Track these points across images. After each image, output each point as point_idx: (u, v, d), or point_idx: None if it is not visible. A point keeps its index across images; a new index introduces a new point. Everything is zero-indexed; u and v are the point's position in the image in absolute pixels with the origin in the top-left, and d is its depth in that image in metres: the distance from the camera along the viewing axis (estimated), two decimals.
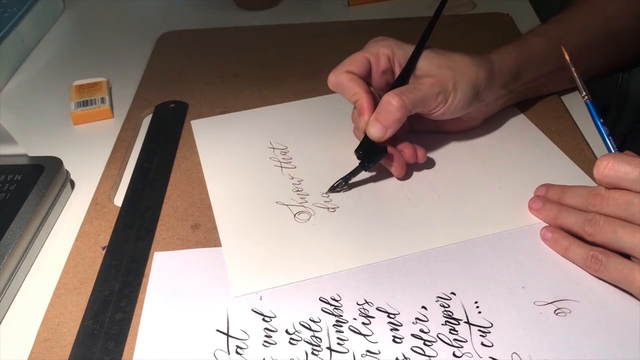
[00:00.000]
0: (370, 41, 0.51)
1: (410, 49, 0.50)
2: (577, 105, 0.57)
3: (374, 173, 0.51)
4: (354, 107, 0.50)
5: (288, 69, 0.67)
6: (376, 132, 0.47)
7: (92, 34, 0.82)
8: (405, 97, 0.46)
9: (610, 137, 0.43)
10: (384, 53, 0.50)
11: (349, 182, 0.49)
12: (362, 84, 0.48)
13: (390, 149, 0.49)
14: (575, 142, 0.53)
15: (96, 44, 0.79)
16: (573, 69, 0.45)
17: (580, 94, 0.45)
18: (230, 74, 0.68)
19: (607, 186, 0.40)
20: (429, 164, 0.52)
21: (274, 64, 0.69)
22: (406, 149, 0.50)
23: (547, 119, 0.55)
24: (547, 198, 0.45)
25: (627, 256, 0.39)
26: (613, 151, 0.43)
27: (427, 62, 0.49)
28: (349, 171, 0.49)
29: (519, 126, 0.55)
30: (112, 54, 0.76)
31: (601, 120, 0.44)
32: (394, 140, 0.49)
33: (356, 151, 0.49)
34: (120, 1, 0.89)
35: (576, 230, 0.42)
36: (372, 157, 0.48)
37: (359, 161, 0.49)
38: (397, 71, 0.50)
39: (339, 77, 0.49)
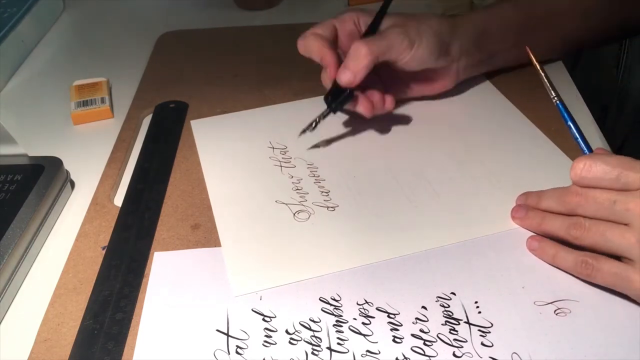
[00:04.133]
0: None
1: (374, 14, 0.53)
2: (577, 105, 0.57)
3: (373, 176, 0.51)
4: (324, 70, 0.52)
5: (288, 69, 0.67)
6: (345, 77, 0.49)
7: (92, 34, 0.82)
8: (372, 44, 0.49)
9: (583, 138, 0.43)
10: (350, 17, 0.53)
11: (318, 123, 0.52)
12: (326, 43, 0.51)
13: (357, 94, 0.52)
14: (575, 142, 0.52)
15: (96, 44, 0.79)
16: (541, 72, 0.45)
17: (550, 94, 0.45)
18: (230, 74, 0.68)
19: (585, 187, 0.40)
20: (429, 164, 0.52)
21: (274, 64, 0.69)
22: (374, 94, 0.52)
23: (547, 119, 0.55)
24: (528, 206, 0.44)
25: (616, 257, 0.38)
26: (587, 151, 0.43)
27: (392, 18, 0.52)
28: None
29: (519, 126, 0.55)
30: (112, 54, 0.76)
31: (573, 121, 0.44)
32: (362, 89, 0.52)
33: (325, 97, 0.52)
34: (121, 1, 0.89)
35: (562, 235, 0.41)
36: (340, 101, 0.52)
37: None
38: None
39: (306, 40, 0.52)
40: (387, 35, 0.50)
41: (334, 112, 0.52)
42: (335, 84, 0.51)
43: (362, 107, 0.52)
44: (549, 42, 0.59)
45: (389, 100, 0.53)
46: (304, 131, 0.53)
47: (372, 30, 0.52)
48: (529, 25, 0.57)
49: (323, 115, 0.52)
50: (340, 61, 0.51)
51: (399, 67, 0.52)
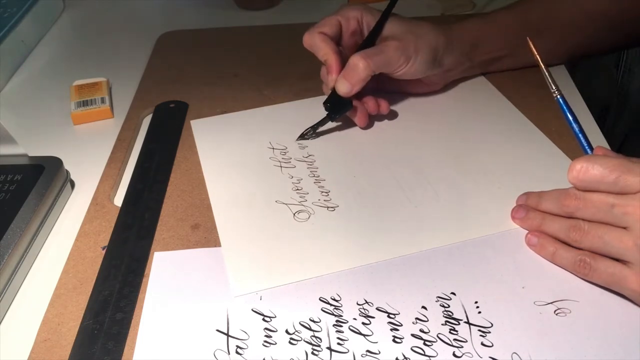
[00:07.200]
0: (341, 5, 0.57)
1: (377, 14, 0.55)
2: (577, 105, 0.57)
3: (373, 176, 0.51)
4: (323, 66, 0.55)
5: (288, 69, 0.67)
6: (344, 89, 0.52)
7: (92, 34, 0.82)
8: (370, 59, 0.51)
9: (584, 134, 0.43)
10: (354, 16, 0.55)
11: (317, 130, 0.56)
12: (332, 45, 0.53)
13: (355, 102, 0.55)
14: (576, 143, 0.52)
15: (96, 44, 0.79)
16: (541, 64, 0.45)
17: (550, 89, 0.45)
18: (230, 74, 0.68)
19: (582, 190, 0.39)
20: (429, 164, 0.52)
21: (274, 64, 0.69)
22: (369, 102, 0.55)
23: (547, 119, 0.55)
24: (528, 206, 0.44)
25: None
26: (587, 147, 0.43)
27: (392, 27, 0.54)
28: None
29: (519, 126, 0.55)
30: (112, 54, 0.76)
31: (574, 116, 0.43)
32: (359, 95, 0.55)
33: (324, 103, 0.55)
34: (120, 1, 0.89)
35: (562, 238, 0.41)
36: (339, 109, 0.54)
37: (327, 112, 0.55)
38: (366, 32, 0.56)
39: (312, 37, 0.54)
40: (385, 50, 0.52)
41: (332, 120, 0.55)
42: (334, 91, 0.53)
43: (358, 119, 0.55)
44: (549, 49, 0.58)
45: (384, 106, 0.56)
46: (302, 136, 0.55)
47: (373, 36, 0.54)
48: (526, 32, 0.54)
49: (322, 123, 0.55)
50: (342, 62, 0.53)
51: (393, 76, 0.55)
